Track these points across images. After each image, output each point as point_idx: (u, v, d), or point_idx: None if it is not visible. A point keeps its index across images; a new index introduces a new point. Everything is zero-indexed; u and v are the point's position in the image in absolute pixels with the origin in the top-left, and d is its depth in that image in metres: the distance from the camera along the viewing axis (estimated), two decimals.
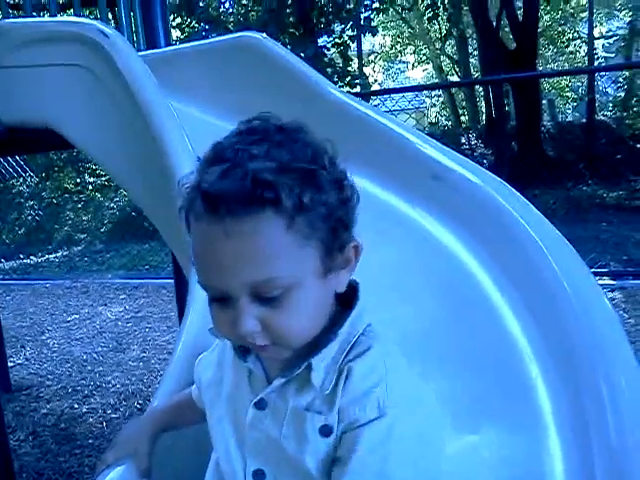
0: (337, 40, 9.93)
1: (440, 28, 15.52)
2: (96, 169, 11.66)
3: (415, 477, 0.69)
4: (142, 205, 2.10)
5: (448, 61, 18.29)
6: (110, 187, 11.37)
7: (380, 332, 0.76)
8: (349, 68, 9.99)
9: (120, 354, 4.24)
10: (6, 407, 3.32)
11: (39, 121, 2.16)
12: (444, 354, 1.22)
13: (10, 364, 4.01)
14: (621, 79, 13.67)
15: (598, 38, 16.13)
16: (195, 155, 1.48)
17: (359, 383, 0.70)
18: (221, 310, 0.70)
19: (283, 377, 0.74)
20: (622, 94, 14.17)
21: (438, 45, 17.48)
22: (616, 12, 16.90)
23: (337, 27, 10.08)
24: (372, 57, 17.80)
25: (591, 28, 13.13)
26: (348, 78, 9.48)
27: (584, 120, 12.00)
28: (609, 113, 13.15)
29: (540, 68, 13.43)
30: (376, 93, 9.47)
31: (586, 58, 14.67)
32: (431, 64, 19.11)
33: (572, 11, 16.38)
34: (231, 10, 10.82)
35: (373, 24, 10.22)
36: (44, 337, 4.85)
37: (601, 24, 17.12)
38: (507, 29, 12.10)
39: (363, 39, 11.17)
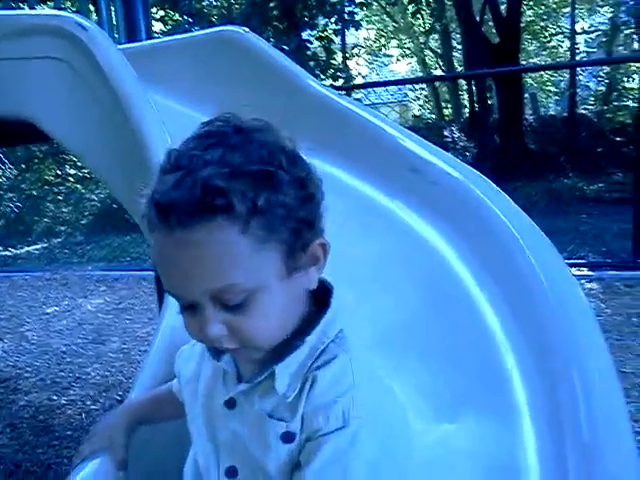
0: (321, 34, 9.91)
1: (424, 22, 15.55)
2: (77, 161, 11.52)
3: None
4: (121, 199, 2.08)
5: (432, 55, 18.33)
6: (91, 179, 11.23)
7: (351, 338, 0.75)
8: (333, 61, 9.99)
9: (100, 346, 4.17)
10: None
11: (18, 114, 2.13)
12: (424, 345, 1.23)
13: None
14: (602, 74, 13.86)
15: (580, 33, 16.29)
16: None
17: (324, 391, 0.70)
18: (191, 316, 0.70)
19: (248, 382, 0.75)
20: (603, 88, 14.36)
21: (422, 39, 17.51)
22: (598, 8, 17.07)
23: (321, 21, 10.07)
24: (356, 50, 17.76)
25: (573, 23, 13.27)
26: (331, 71, 9.48)
27: (565, 114, 12.14)
28: (590, 107, 13.32)
29: (523, 62, 13.49)
30: (359, 87, 9.46)
31: (568, 53, 14.80)
32: (415, 58, 19.14)
33: (554, 6, 16.52)
34: (215, 3, 10.76)
35: (357, 18, 10.22)
36: (23, 329, 4.78)
37: (583, 19, 17.27)
38: (490, 23, 12.16)
39: (347, 33, 11.16)
